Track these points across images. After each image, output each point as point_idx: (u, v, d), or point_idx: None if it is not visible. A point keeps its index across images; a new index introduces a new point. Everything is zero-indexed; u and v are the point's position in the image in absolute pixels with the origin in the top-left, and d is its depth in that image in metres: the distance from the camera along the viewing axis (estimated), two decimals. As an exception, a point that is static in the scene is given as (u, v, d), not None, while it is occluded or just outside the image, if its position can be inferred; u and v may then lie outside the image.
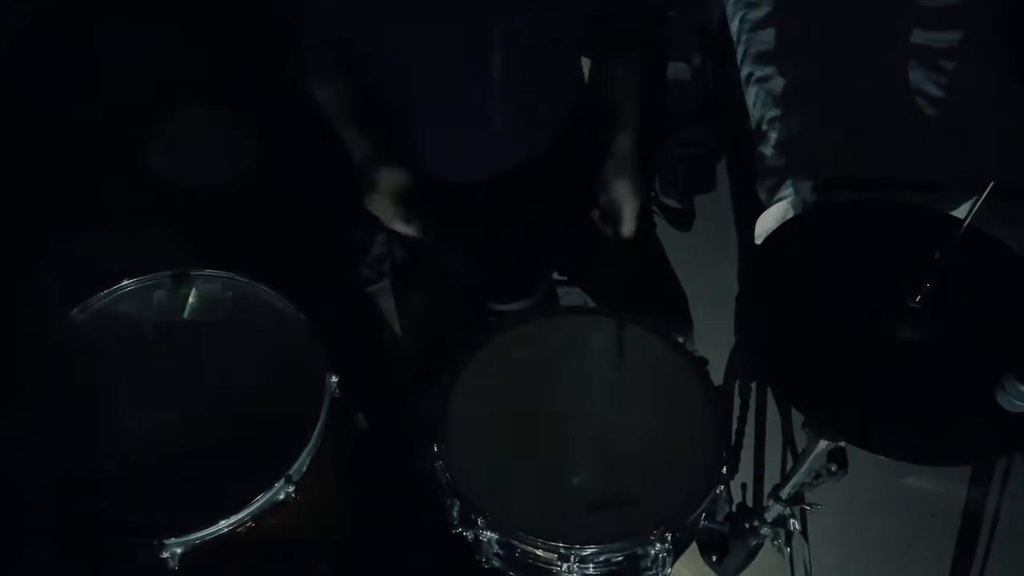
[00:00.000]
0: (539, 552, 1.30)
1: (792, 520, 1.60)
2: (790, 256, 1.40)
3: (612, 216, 1.62)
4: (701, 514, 1.37)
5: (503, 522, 1.31)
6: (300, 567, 1.59)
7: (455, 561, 1.40)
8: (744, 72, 2.24)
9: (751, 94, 2.19)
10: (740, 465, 1.90)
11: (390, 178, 1.58)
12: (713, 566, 1.81)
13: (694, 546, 1.75)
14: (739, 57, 2.27)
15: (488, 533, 1.32)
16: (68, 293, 1.56)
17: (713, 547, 1.77)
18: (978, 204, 1.16)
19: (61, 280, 1.88)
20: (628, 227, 1.62)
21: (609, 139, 1.64)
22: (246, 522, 1.32)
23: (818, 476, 1.51)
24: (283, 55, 1.66)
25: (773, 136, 2.08)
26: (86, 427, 1.40)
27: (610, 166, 1.61)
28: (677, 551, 1.35)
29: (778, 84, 2.14)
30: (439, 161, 1.70)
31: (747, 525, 1.66)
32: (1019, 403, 1.12)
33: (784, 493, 1.55)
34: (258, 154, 2.33)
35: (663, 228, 2.50)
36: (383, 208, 1.59)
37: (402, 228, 1.60)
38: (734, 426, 2.07)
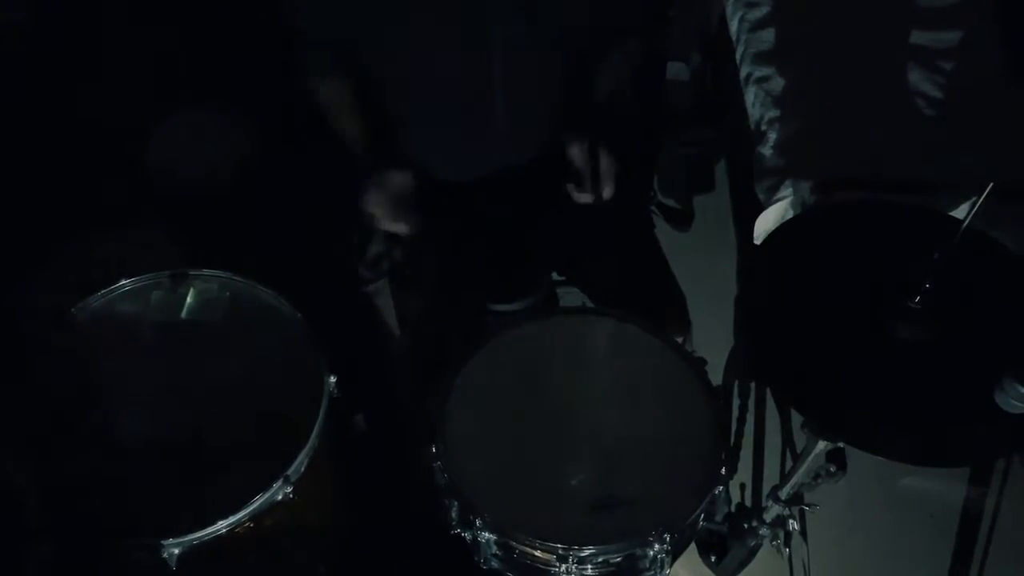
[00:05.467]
0: (537, 553, 1.30)
1: (791, 520, 1.60)
2: (789, 256, 1.40)
3: (588, 176, 1.58)
4: (700, 515, 1.37)
5: (501, 523, 1.31)
6: (298, 567, 1.59)
7: (453, 562, 1.40)
8: (743, 72, 2.24)
9: (750, 94, 2.19)
10: (739, 466, 1.91)
11: (389, 177, 1.58)
12: (712, 567, 1.81)
13: (693, 547, 1.75)
14: (738, 57, 2.27)
15: (486, 534, 1.31)
16: (67, 293, 1.55)
17: (712, 548, 1.77)
18: (978, 205, 1.16)
19: (60, 280, 1.88)
20: (608, 188, 1.57)
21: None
22: (244, 522, 1.32)
23: (817, 477, 1.51)
24: (284, 54, 1.66)
25: (772, 136, 2.08)
26: (84, 427, 1.40)
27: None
28: (676, 552, 1.35)
29: (777, 84, 2.14)
30: (439, 161, 1.70)
31: (746, 526, 1.66)
32: (1018, 404, 1.12)
33: (783, 494, 1.55)
34: (256, 153, 2.33)
35: (662, 228, 2.50)
36: (378, 206, 1.58)
37: (393, 227, 1.60)
38: (733, 426, 2.07)
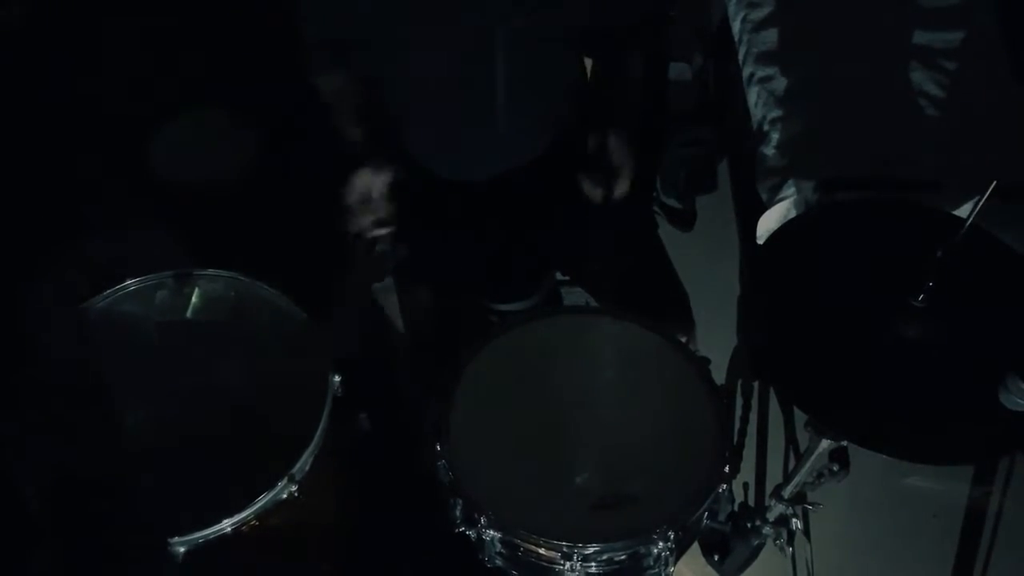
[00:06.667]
0: (542, 551, 1.30)
1: (794, 519, 1.60)
2: (792, 256, 1.40)
3: (603, 174, 1.57)
4: (703, 513, 1.37)
5: (506, 521, 1.31)
6: (303, 566, 1.59)
7: (458, 560, 1.40)
8: (746, 72, 2.23)
9: (753, 94, 2.19)
10: (742, 464, 1.91)
11: (372, 178, 1.57)
12: (715, 566, 1.81)
13: (696, 546, 1.75)
14: (741, 57, 2.27)
15: (491, 532, 1.32)
16: (71, 293, 1.56)
17: (715, 547, 1.77)
18: (981, 203, 1.16)
19: (64, 280, 1.88)
20: (622, 186, 1.57)
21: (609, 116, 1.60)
22: (249, 521, 1.32)
23: (820, 476, 1.51)
24: (285, 53, 1.66)
25: (775, 136, 2.08)
26: (89, 427, 1.41)
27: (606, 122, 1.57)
28: (679, 550, 1.35)
29: (780, 84, 2.14)
30: (441, 161, 1.70)
31: (749, 525, 1.66)
32: (1022, 402, 1.12)
33: (786, 492, 1.55)
34: (260, 153, 2.33)
35: (665, 228, 2.50)
36: (357, 203, 1.57)
37: (366, 227, 1.59)
38: (736, 426, 2.07)
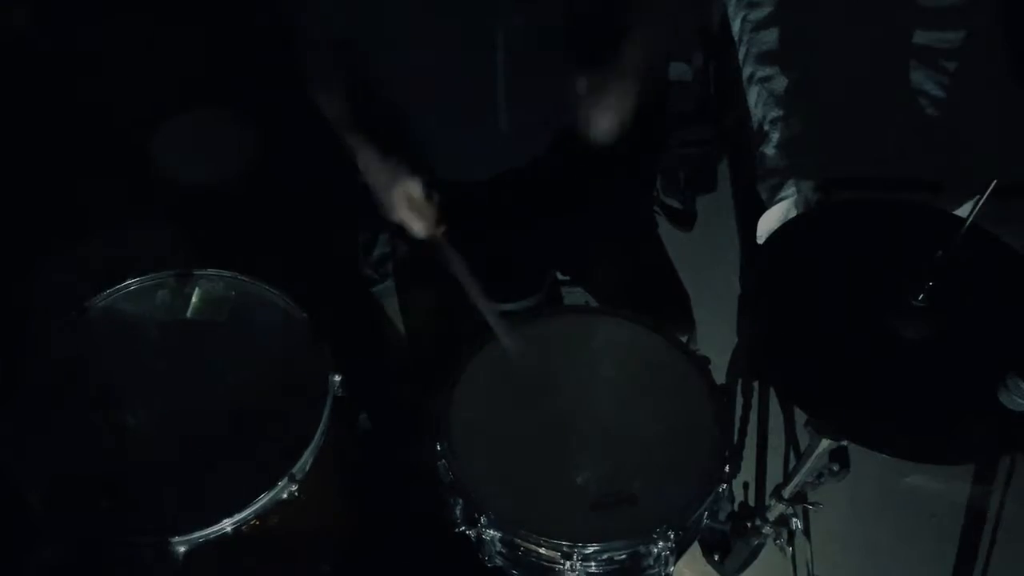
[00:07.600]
0: (542, 550, 1.30)
1: (794, 519, 1.60)
2: (792, 256, 1.40)
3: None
4: (703, 513, 1.37)
5: (506, 520, 1.31)
6: (303, 566, 1.59)
7: (458, 560, 1.40)
8: (746, 72, 2.24)
9: (753, 94, 2.20)
10: (742, 464, 1.91)
11: (409, 186, 1.55)
12: (715, 565, 1.81)
13: (696, 546, 1.75)
14: (741, 57, 2.28)
15: (491, 532, 1.32)
16: (71, 292, 1.56)
17: (715, 546, 1.78)
18: (981, 203, 1.16)
19: (64, 279, 1.88)
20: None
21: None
22: (250, 521, 1.32)
23: (820, 475, 1.51)
24: (286, 54, 1.66)
25: (775, 136, 2.08)
26: (90, 427, 1.41)
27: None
28: (679, 550, 1.35)
29: (780, 84, 2.14)
30: (441, 161, 1.70)
31: (749, 524, 1.66)
32: (1022, 402, 1.13)
33: (786, 492, 1.55)
34: (261, 153, 2.33)
35: (665, 228, 2.50)
36: (409, 215, 1.55)
37: (421, 231, 1.58)
38: (736, 425, 2.07)
